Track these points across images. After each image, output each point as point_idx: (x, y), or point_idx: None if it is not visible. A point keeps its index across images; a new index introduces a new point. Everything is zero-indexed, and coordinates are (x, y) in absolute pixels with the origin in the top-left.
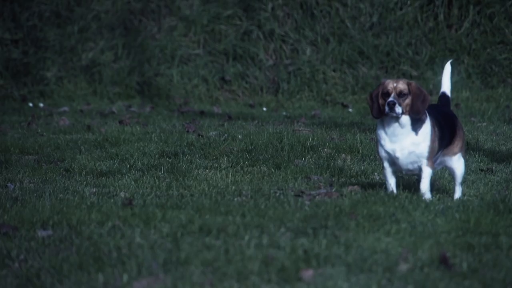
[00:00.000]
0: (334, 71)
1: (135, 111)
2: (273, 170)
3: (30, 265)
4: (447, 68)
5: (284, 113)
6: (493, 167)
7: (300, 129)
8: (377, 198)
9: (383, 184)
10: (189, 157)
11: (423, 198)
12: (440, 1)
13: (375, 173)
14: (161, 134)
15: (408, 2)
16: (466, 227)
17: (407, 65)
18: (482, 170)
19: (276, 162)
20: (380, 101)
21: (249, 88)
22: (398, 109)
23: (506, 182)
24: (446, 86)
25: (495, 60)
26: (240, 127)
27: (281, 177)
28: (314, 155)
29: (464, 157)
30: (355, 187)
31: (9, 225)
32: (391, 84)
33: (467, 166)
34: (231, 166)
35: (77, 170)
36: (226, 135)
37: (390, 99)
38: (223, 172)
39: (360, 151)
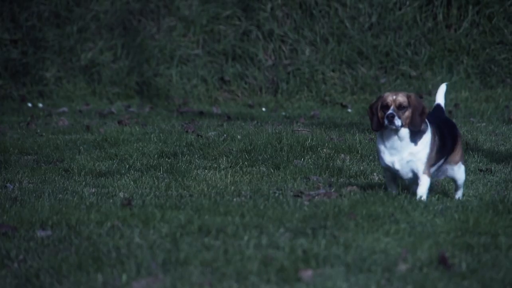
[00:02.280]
0: (333, 71)
1: (134, 111)
2: (272, 171)
3: (29, 265)
4: (442, 88)
5: (283, 113)
6: (492, 168)
7: (299, 129)
8: (376, 198)
9: (382, 184)
10: (188, 158)
11: (420, 197)
12: (439, 1)
13: (374, 173)
14: (160, 135)
15: (407, 2)
16: (465, 227)
17: (406, 65)
18: (481, 170)
19: (275, 163)
20: (380, 113)
21: (248, 88)
22: (398, 122)
23: (505, 183)
24: (440, 100)
25: (494, 60)
26: (239, 127)
27: (280, 177)
28: (313, 156)
29: (464, 164)
30: (354, 187)
31: (8, 225)
32: (390, 97)
33: (466, 166)
34: (230, 167)
35: (76, 170)
36: (225, 135)
37: (389, 111)
38: (222, 172)
39: (359, 151)
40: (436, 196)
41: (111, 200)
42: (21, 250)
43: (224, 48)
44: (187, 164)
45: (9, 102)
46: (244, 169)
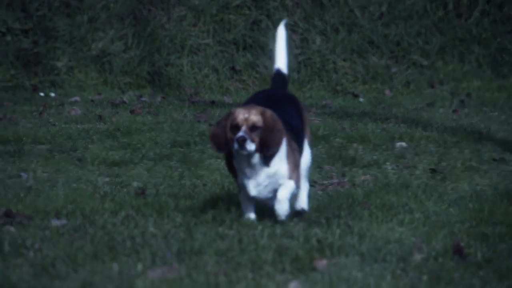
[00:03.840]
0: (344, 60)
1: (146, 100)
2: None
3: (45, 254)
4: (280, 33)
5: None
6: (506, 157)
7: (311, 118)
8: (390, 187)
9: (395, 173)
10: (200, 147)
11: (278, 213)
12: None
13: (387, 163)
14: (173, 124)
15: None
16: (480, 216)
17: (417, 54)
18: (494, 160)
19: None
20: (229, 134)
21: (260, 77)
22: (250, 147)
23: None
24: (281, 58)
25: (506, 49)
26: None
27: None
28: (326, 145)
29: (310, 146)
30: (368, 176)
31: (23, 215)
32: (241, 115)
33: (479, 156)
34: None
35: (89, 160)
36: None
37: (240, 134)
38: None
39: (372, 141)
40: (451, 185)
41: (125, 190)
42: (36, 239)
43: (235, 37)
44: (200, 154)
45: (21, 92)
46: None
